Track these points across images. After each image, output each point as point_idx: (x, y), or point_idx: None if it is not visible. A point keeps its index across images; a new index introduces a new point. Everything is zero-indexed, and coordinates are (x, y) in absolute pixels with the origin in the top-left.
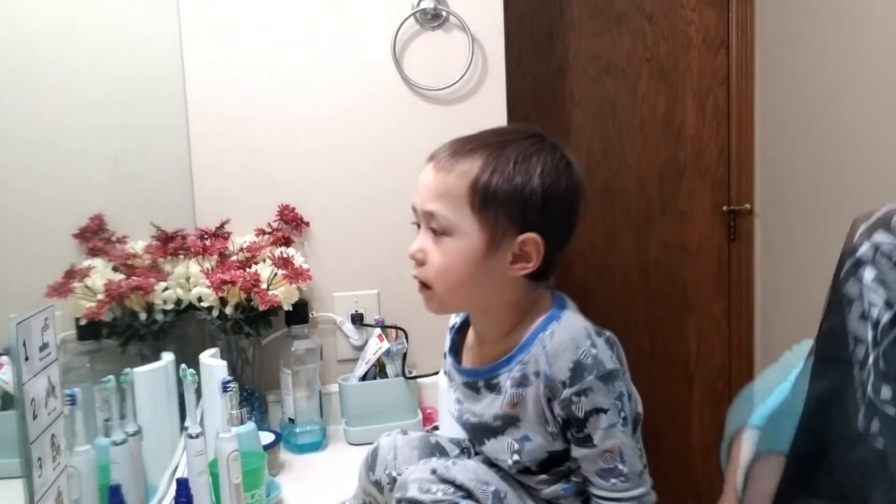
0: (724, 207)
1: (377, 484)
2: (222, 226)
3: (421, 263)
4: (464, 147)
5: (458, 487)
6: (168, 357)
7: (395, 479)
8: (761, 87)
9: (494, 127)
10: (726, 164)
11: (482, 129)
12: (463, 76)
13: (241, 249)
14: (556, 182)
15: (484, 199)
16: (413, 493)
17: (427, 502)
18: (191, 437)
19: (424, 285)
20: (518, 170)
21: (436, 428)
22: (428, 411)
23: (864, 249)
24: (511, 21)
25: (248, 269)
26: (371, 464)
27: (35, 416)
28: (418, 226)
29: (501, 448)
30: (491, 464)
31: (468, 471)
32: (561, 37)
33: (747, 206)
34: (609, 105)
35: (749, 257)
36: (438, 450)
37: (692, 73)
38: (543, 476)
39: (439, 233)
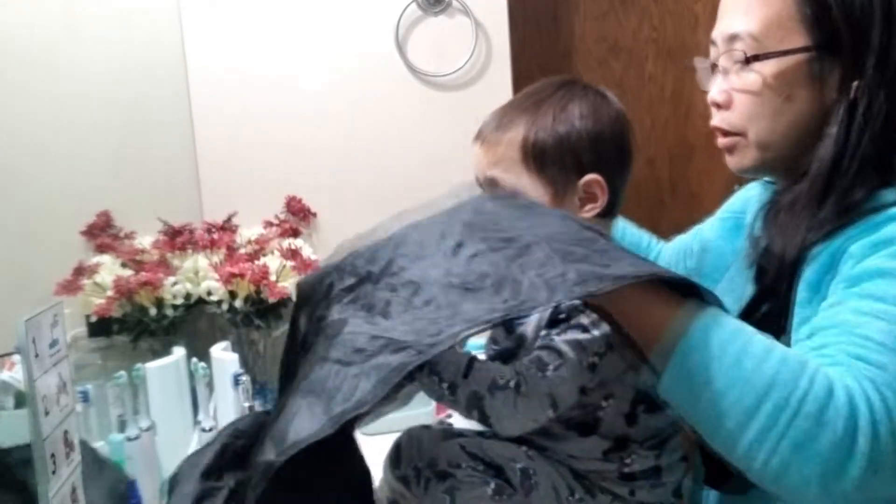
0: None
1: (404, 479)
2: (229, 219)
3: None
4: (504, 118)
5: (488, 465)
6: (179, 351)
7: (420, 471)
8: None
9: (525, 90)
10: None
11: (513, 98)
12: (467, 62)
13: (249, 242)
14: (597, 121)
15: (536, 160)
16: (443, 466)
17: (459, 477)
18: (204, 430)
19: None
20: (559, 121)
21: (450, 416)
22: None
23: None
24: (514, 4)
25: (256, 262)
26: (395, 460)
27: (47, 413)
28: None
29: None
30: (518, 442)
31: (496, 448)
32: (566, 19)
33: None
34: (616, 86)
35: None
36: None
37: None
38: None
39: None
